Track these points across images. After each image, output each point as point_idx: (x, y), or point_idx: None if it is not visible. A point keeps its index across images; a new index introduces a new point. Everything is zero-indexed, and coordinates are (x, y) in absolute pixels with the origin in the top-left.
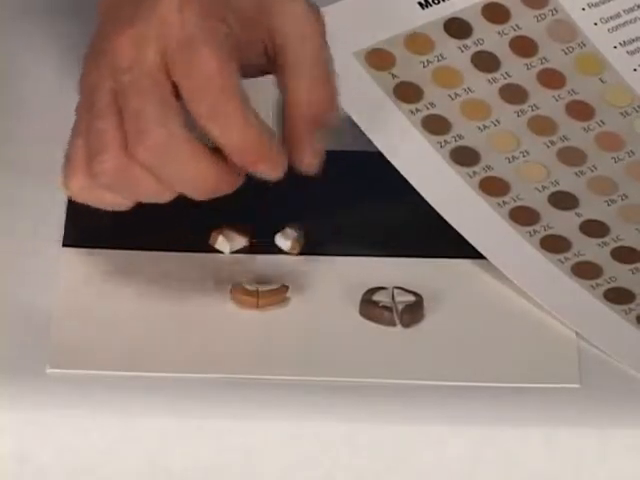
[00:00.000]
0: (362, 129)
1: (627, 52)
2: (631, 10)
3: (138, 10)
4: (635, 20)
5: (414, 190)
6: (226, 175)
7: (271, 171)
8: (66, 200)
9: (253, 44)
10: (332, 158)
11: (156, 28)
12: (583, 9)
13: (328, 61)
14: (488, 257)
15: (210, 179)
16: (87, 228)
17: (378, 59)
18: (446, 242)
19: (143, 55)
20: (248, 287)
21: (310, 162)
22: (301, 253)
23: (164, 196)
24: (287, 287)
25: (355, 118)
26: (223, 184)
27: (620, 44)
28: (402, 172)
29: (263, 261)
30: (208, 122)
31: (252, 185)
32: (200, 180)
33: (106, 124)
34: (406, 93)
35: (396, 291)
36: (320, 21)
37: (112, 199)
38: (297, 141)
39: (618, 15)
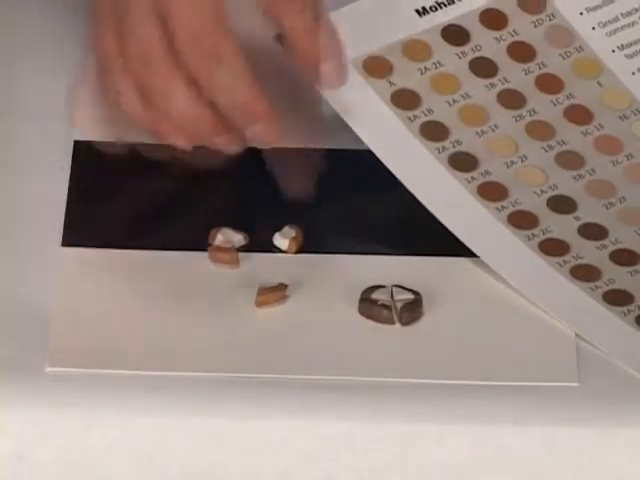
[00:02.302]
0: (360, 136)
1: (625, 55)
2: (629, 14)
3: None
4: (633, 24)
5: None
6: (263, 103)
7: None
8: (66, 200)
9: None
10: (331, 157)
11: None
12: (581, 13)
13: None
14: (487, 261)
15: (255, 103)
16: (87, 228)
17: (376, 66)
18: (445, 240)
19: None
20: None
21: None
22: (300, 252)
23: (201, 121)
24: (286, 286)
25: (353, 125)
26: (259, 111)
27: (618, 48)
28: (400, 178)
29: (262, 260)
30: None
31: (251, 184)
32: (245, 97)
33: (150, 28)
34: (404, 100)
35: (395, 289)
36: None
37: (140, 113)
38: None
39: (616, 19)
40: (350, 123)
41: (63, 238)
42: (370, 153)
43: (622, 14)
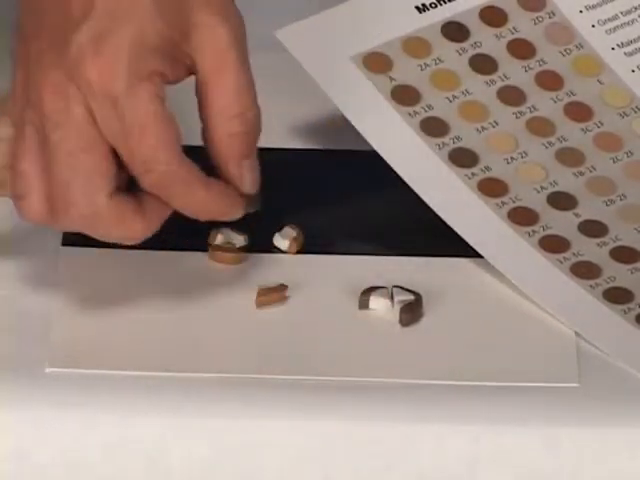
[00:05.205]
0: (360, 132)
1: (625, 53)
2: (628, 12)
3: (60, 48)
4: (633, 22)
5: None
6: (153, 227)
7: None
8: None
9: (178, 72)
10: (331, 157)
11: (78, 82)
12: (581, 11)
13: (248, 88)
14: (487, 258)
15: (137, 235)
16: None
17: (376, 62)
18: (445, 241)
19: (70, 109)
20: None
21: (247, 187)
22: (300, 252)
23: None
24: (286, 286)
25: (353, 121)
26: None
27: (618, 45)
28: (401, 174)
29: (262, 260)
30: (155, 190)
31: None
32: (127, 239)
33: (30, 168)
34: (404, 96)
35: (395, 290)
36: (239, 45)
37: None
38: (229, 176)
39: (616, 17)
40: (350, 118)
41: (63, 238)
42: (370, 153)
43: (622, 12)
